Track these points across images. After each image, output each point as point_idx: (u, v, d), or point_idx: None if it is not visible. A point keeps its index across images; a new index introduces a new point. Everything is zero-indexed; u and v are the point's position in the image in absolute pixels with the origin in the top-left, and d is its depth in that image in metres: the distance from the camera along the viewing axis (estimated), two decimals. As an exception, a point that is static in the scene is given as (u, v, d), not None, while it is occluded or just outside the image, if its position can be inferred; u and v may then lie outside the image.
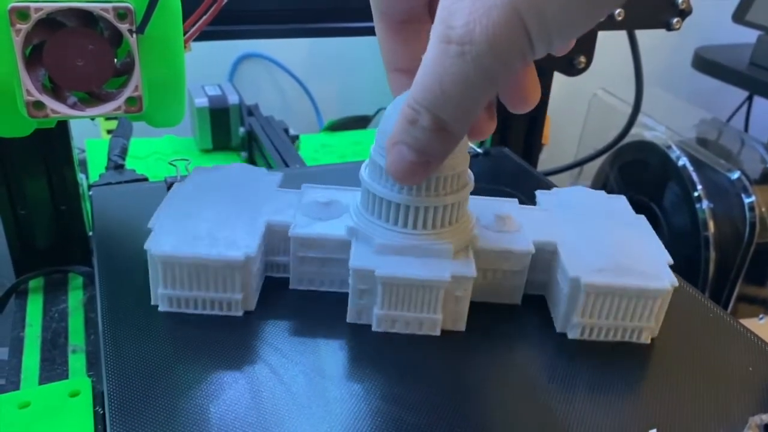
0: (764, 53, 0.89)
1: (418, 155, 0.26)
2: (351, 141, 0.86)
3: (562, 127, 1.00)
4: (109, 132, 0.77)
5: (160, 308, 0.32)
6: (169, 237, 0.31)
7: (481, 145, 0.63)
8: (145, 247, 0.30)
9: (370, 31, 0.31)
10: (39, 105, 0.29)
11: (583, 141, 0.99)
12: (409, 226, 0.31)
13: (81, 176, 0.49)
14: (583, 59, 0.55)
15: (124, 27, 0.29)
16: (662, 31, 0.54)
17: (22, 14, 0.28)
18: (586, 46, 0.55)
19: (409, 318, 0.32)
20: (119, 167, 0.50)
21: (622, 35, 0.62)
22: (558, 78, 0.60)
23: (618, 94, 0.92)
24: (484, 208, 0.36)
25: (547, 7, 0.20)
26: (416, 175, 0.27)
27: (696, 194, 0.75)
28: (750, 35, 0.91)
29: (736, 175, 0.73)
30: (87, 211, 0.48)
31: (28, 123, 0.31)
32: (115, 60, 0.30)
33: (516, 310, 0.35)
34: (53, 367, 0.40)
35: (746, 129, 1.02)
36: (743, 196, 0.72)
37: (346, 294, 0.32)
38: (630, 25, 0.54)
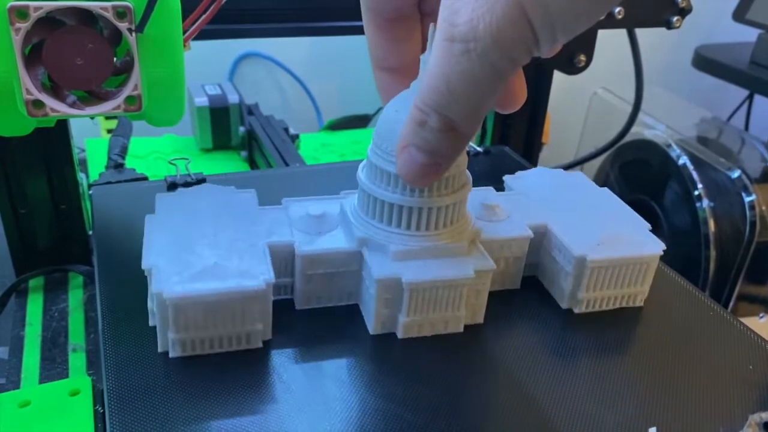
0: (765, 52, 0.89)
1: (428, 157, 0.25)
2: (351, 140, 0.86)
3: (563, 126, 1.00)
4: (109, 131, 0.77)
5: (172, 355, 0.29)
6: (174, 276, 0.28)
7: (480, 143, 0.63)
8: (155, 291, 0.27)
9: (370, 30, 0.31)
10: (38, 104, 0.29)
11: (584, 140, 0.99)
12: (422, 229, 0.31)
13: (81, 175, 0.49)
14: (583, 58, 0.54)
15: (123, 26, 0.29)
16: (662, 30, 0.54)
17: (21, 13, 0.27)
18: (586, 44, 0.54)
19: (434, 319, 0.31)
20: (119, 166, 0.50)
21: (622, 34, 0.62)
22: (558, 77, 0.60)
23: (618, 92, 0.92)
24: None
25: (551, 1, 0.20)
26: (428, 177, 0.27)
27: (696, 193, 0.75)
28: (750, 34, 0.91)
29: (736, 173, 0.73)
30: (87, 210, 0.48)
31: (28, 122, 0.31)
32: (115, 59, 0.30)
33: (517, 294, 0.35)
34: (53, 366, 0.40)
35: (747, 128, 1.02)
36: (744, 194, 0.72)
37: (354, 306, 0.32)
38: (630, 24, 0.54)
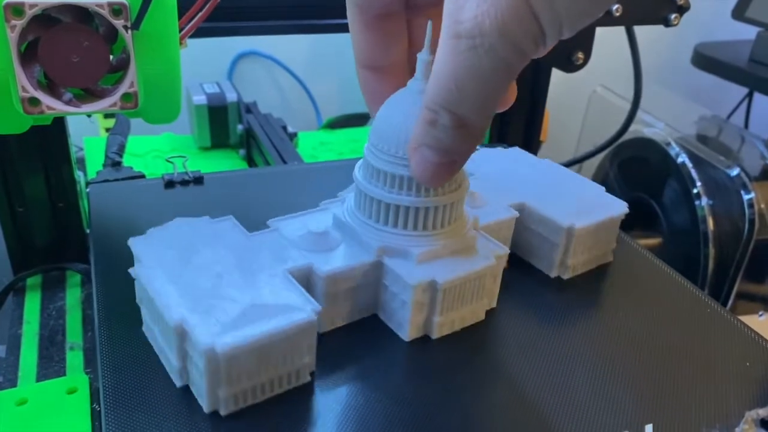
0: (764, 50, 0.88)
1: (442, 156, 0.25)
2: (349, 138, 0.86)
3: (561, 124, 1.00)
4: (107, 130, 0.77)
5: (224, 413, 0.26)
6: (214, 327, 0.25)
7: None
8: (203, 348, 0.24)
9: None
10: (34, 101, 0.29)
11: (583, 138, 0.99)
12: (438, 228, 0.31)
13: (79, 173, 0.49)
14: (581, 55, 0.54)
15: (119, 23, 0.29)
16: (661, 28, 0.54)
17: (16, 10, 0.27)
18: (584, 42, 0.54)
19: (464, 313, 0.32)
20: (117, 164, 0.50)
21: (621, 32, 0.62)
22: (557, 74, 0.59)
23: (617, 90, 0.92)
24: None
25: None
26: (443, 176, 0.26)
27: (695, 191, 0.75)
28: (749, 32, 0.91)
29: (735, 171, 0.73)
30: (84, 209, 0.48)
31: (24, 120, 0.31)
32: (111, 56, 0.30)
33: (506, 273, 0.35)
34: (51, 365, 0.40)
35: (746, 126, 1.02)
36: (742, 192, 0.72)
37: (373, 318, 0.32)
38: (628, 21, 0.54)
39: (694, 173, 0.75)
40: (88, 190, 0.44)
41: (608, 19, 0.51)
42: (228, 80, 0.93)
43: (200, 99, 0.75)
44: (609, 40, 0.63)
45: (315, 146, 0.82)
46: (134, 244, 0.30)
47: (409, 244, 0.30)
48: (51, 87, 0.30)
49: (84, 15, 0.29)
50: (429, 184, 0.28)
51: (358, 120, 0.95)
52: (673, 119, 0.85)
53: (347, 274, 0.30)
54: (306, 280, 0.30)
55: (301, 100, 1.03)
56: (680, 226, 0.77)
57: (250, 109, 0.77)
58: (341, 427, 0.27)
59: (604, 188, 0.40)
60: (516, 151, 0.44)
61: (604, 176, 0.90)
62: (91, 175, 0.58)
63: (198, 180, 0.44)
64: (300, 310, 0.26)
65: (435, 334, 0.31)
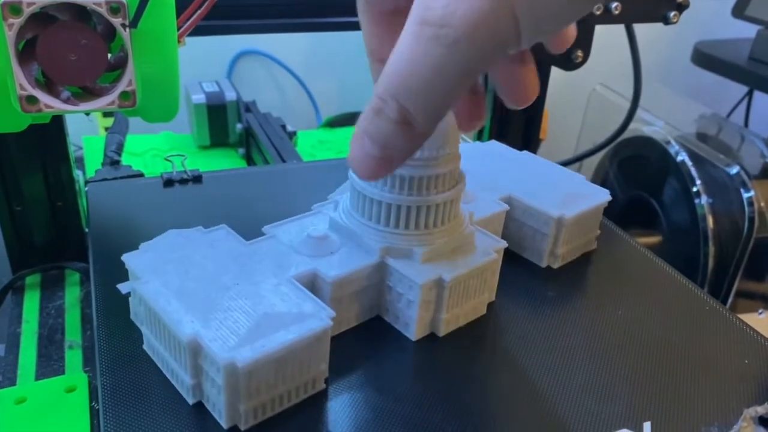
0: (764, 48, 0.88)
1: (380, 149, 0.23)
2: (349, 137, 0.85)
3: (561, 122, 1.00)
4: (106, 129, 0.77)
5: (244, 428, 0.26)
6: (231, 341, 0.25)
7: (479, 139, 0.63)
8: (222, 363, 0.24)
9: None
10: (32, 99, 0.29)
11: (582, 136, 0.99)
12: (438, 225, 0.31)
13: (77, 172, 0.49)
14: (580, 54, 0.54)
15: (117, 21, 0.29)
16: (661, 26, 0.54)
17: (14, 9, 0.27)
18: (583, 40, 0.54)
19: (467, 309, 0.32)
20: (115, 163, 0.50)
21: (620, 30, 0.62)
22: (556, 73, 0.59)
23: (617, 89, 0.92)
24: None
25: None
26: (377, 172, 0.24)
27: (695, 189, 0.74)
28: (750, 30, 0.90)
29: (735, 170, 0.73)
30: (83, 208, 0.48)
31: (23, 118, 0.31)
32: (109, 54, 0.30)
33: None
34: (50, 363, 0.40)
35: (746, 124, 1.02)
36: (742, 191, 0.72)
37: (376, 320, 0.32)
38: (627, 19, 0.54)
39: (693, 171, 0.75)
40: (86, 188, 0.44)
41: (607, 17, 0.51)
42: (227, 79, 0.93)
43: (199, 98, 0.75)
44: (608, 38, 0.63)
45: (314, 145, 0.82)
46: (129, 260, 0.29)
47: (412, 244, 0.31)
48: (49, 85, 0.30)
49: (82, 13, 0.29)
50: (363, 178, 0.26)
51: (358, 119, 0.95)
52: (672, 117, 0.85)
53: (353, 277, 0.30)
54: (311, 285, 0.30)
55: (301, 99, 1.03)
56: (680, 225, 0.77)
57: (249, 107, 0.77)
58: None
59: (584, 177, 0.41)
60: (494, 144, 0.45)
61: (604, 175, 0.90)
62: (90, 173, 0.58)
63: (197, 179, 0.44)
64: (315, 317, 0.26)
65: (441, 332, 0.31)
